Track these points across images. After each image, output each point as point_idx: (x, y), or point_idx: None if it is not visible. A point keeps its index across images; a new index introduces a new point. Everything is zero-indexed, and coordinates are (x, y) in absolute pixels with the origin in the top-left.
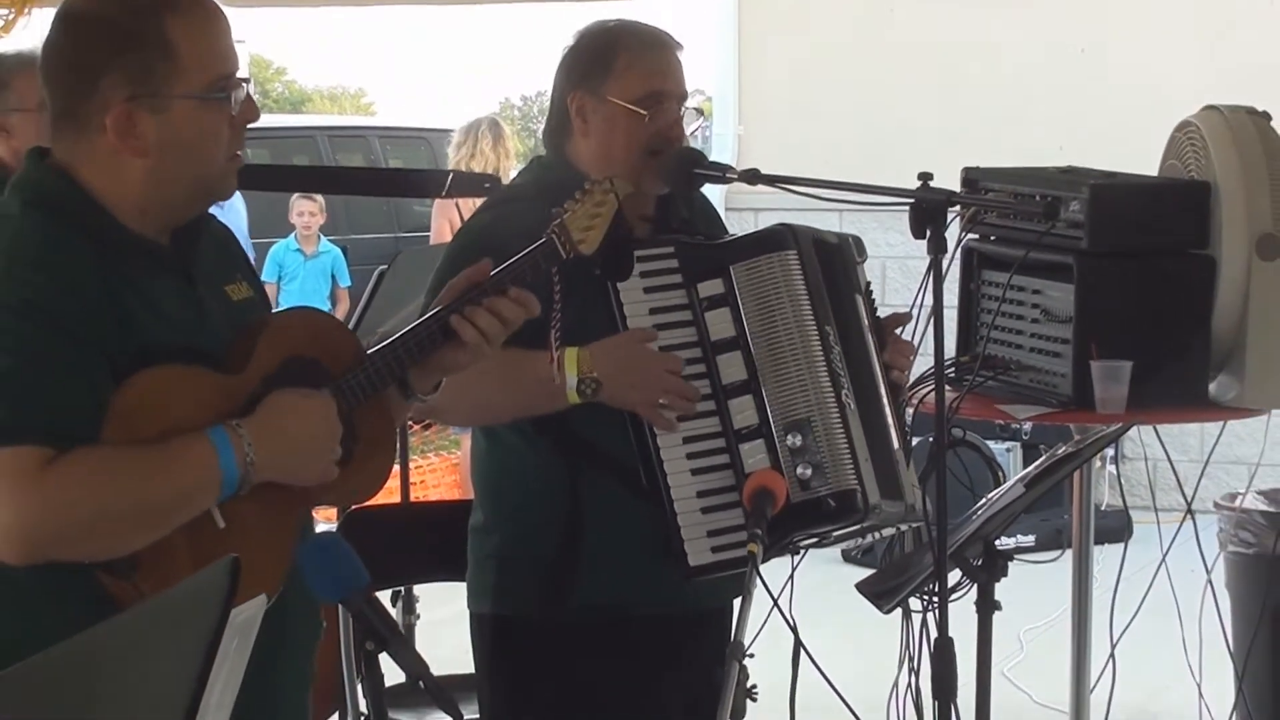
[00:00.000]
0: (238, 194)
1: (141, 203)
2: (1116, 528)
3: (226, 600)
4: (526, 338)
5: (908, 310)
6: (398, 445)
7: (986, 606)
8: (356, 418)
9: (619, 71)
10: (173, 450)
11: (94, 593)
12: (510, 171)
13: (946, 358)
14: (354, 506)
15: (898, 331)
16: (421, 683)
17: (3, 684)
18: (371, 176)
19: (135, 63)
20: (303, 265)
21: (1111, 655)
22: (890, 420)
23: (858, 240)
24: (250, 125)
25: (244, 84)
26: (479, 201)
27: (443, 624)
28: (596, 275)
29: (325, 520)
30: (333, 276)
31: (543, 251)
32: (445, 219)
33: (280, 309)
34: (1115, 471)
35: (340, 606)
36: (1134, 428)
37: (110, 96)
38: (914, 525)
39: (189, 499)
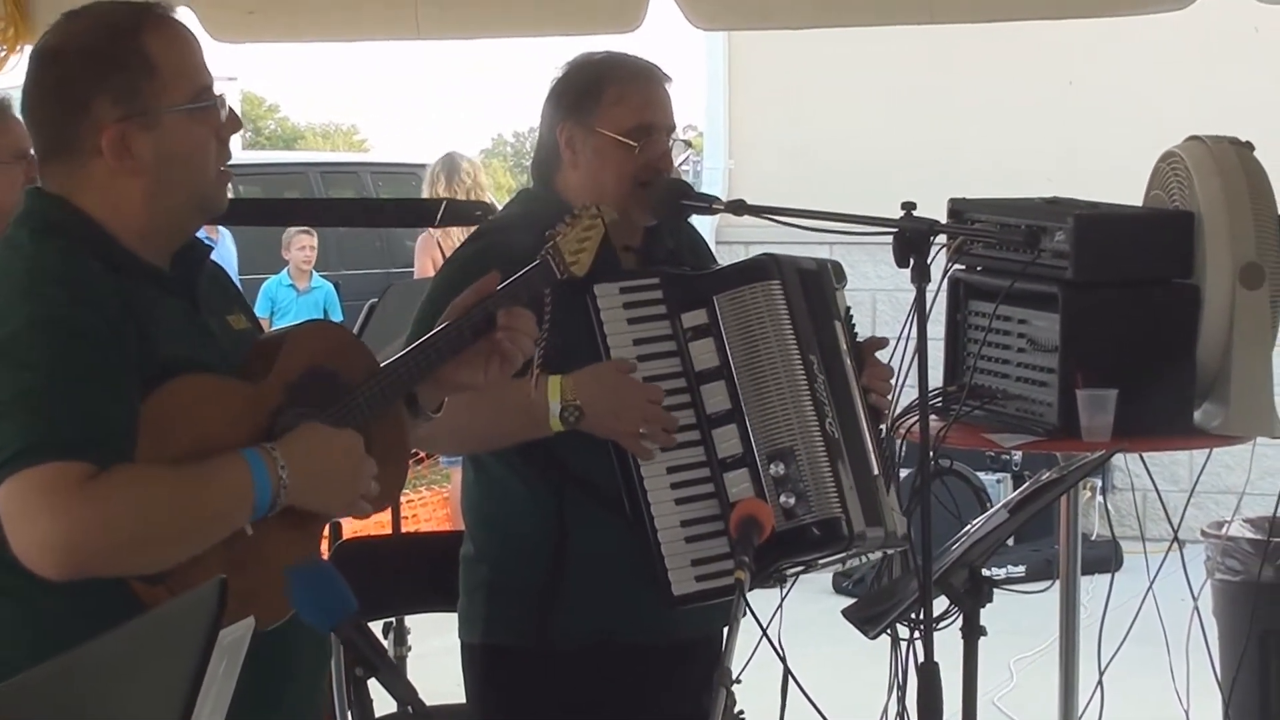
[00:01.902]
0: (227, 233)
1: (142, 224)
2: (1105, 558)
3: (214, 621)
4: None
5: (892, 339)
6: (408, 461)
7: (972, 632)
8: (371, 430)
9: (608, 103)
10: (209, 470)
11: (130, 605)
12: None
13: (934, 388)
14: (345, 536)
15: (878, 355)
16: (411, 709)
17: None
18: (363, 207)
19: (121, 84)
20: (295, 300)
21: (1099, 683)
22: (871, 445)
23: (837, 265)
24: (243, 163)
25: (222, 95)
26: (461, 238)
27: (434, 655)
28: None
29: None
30: (325, 311)
31: (538, 272)
32: (428, 256)
33: (296, 322)
34: (1104, 502)
35: (330, 634)
36: (1123, 458)
37: (102, 120)
38: (898, 550)
39: (224, 518)
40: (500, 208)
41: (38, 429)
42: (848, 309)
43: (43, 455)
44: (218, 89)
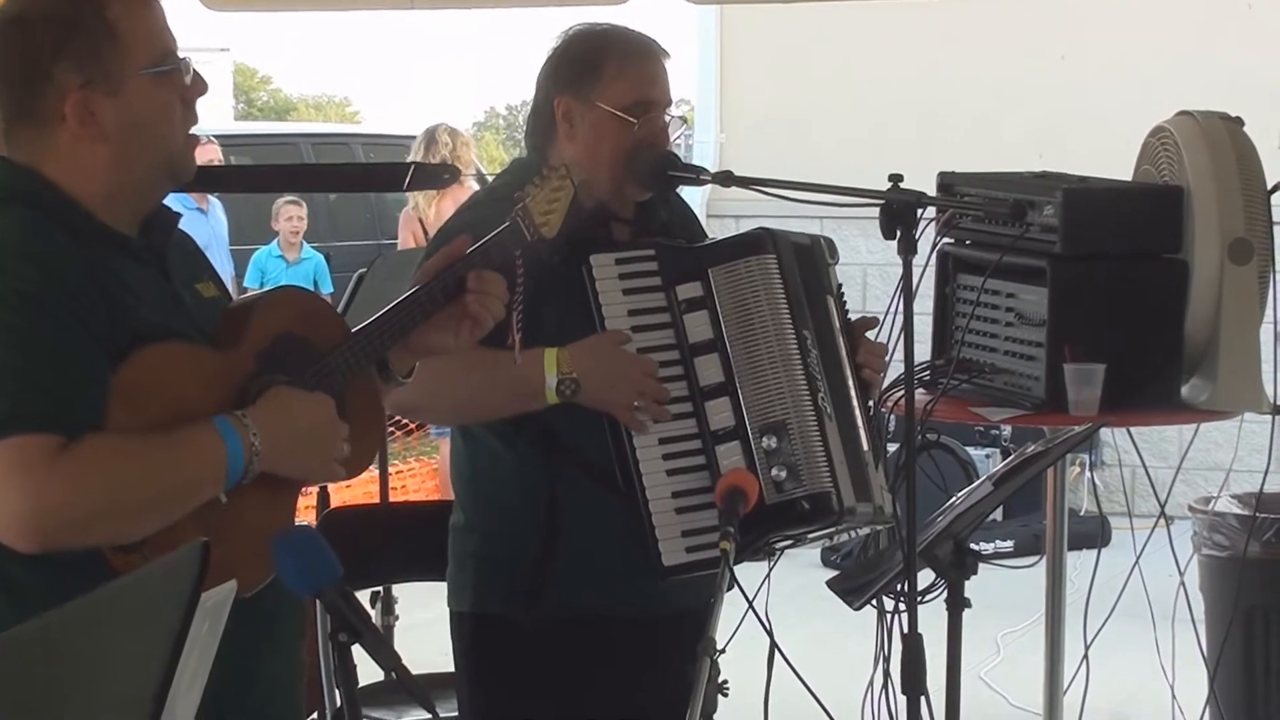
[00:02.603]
0: (218, 203)
1: (108, 190)
2: (1093, 533)
3: (196, 583)
4: (496, 331)
5: (882, 314)
6: (384, 425)
7: (956, 604)
8: (345, 395)
9: (609, 78)
10: (181, 438)
11: (104, 574)
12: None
13: (922, 361)
14: (333, 506)
15: (870, 335)
16: (395, 676)
17: None
18: (332, 172)
19: (82, 50)
20: (285, 271)
21: (1085, 658)
22: (861, 422)
23: (830, 242)
24: (235, 133)
25: (187, 59)
26: (444, 214)
27: (422, 626)
28: (556, 263)
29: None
30: (315, 283)
31: (508, 234)
32: (409, 230)
33: (267, 288)
34: (1092, 478)
35: (316, 602)
36: (1111, 434)
37: (65, 86)
38: (884, 527)
39: (197, 487)
40: (491, 179)
41: (5, 403)
42: (839, 285)
43: (10, 429)
44: (208, 58)
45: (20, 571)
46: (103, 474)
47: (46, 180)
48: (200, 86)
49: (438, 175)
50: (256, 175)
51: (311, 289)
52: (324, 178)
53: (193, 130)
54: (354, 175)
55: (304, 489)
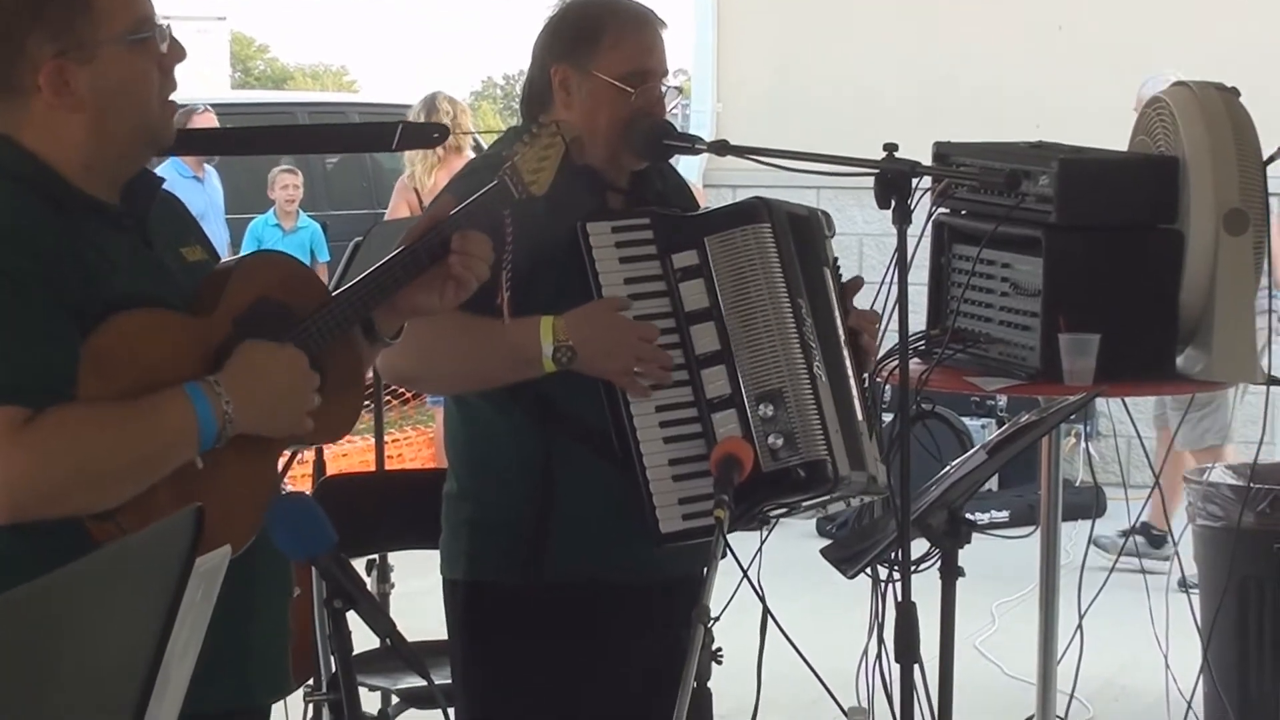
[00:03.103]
0: (214, 171)
1: (86, 159)
2: (1088, 504)
3: (190, 548)
4: (487, 294)
5: (878, 284)
6: (365, 388)
7: (950, 572)
8: (325, 358)
9: (606, 47)
10: (151, 406)
11: (78, 542)
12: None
13: (917, 331)
14: (329, 474)
15: (857, 299)
16: (390, 642)
17: None
18: (318, 133)
19: (55, 18)
20: (282, 240)
21: (1079, 627)
22: (855, 392)
23: (827, 215)
24: (231, 102)
25: (165, 26)
26: (440, 185)
27: (417, 595)
28: (552, 231)
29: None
30: (311, 251)
31: (495, 193)
32: (404, 199)
33: (246, 253)
34: (1088, 448)
35: (312, 569)
36: (1107, 405)
37: (37, 56)
38: (877, 497)
39: (168, 454)
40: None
41: None
42: (836, 259)
43: None
44: (205, 27)
45: None
46: (70, 444)
47: (23, 149)
48: (178, 53)
49: (426, 134)
50: (243, 137)
51: (308, 258)
52: (312, 139)
53: (192, 100)
54: (342, 135)
55: (286, 451)
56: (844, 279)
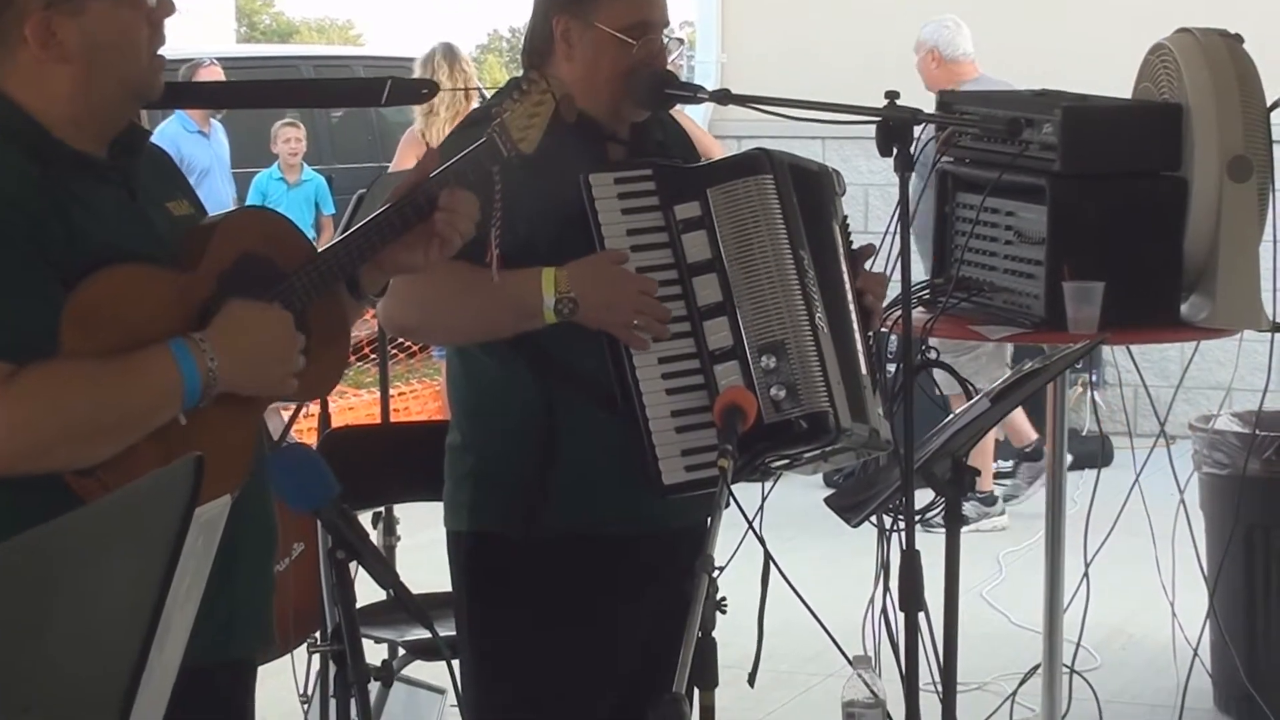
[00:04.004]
0: (219, 126)
1: (72, 112)
2: (1094, 453)
3: (190, 498)
4: (479, 248)
5: (882, 233)
6: (349, 344)
7: (954, 521)
8: (309, 315)
9: None
10: (135, 362)
11: (60, 497)
12: (477, 91)
13: (921, 280)
14: (334, 426)
15: (869, 266)
16: (394, 593)
17: None
18: (309, 87)
19: None
20: (286, 194)
21: (1085, 576)
22: (860, 345)
23: (838, 173)
24: (236, 56)
25: None
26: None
27: (423, 548)
28: (553, 181)
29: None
30: (316, 205)
31: (484, 150)
32: (412, 151)
33: (231, 209)
34: (1094, 398)
35: (317, 522)
36: (1112, 354)
37: (25, 7)
38: (879, 453)
39: (152, 411)
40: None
41: None
42: (845, 217)
43: None
44: None
45: None
46: (53, 400)
47: (9, 101)
48: (167, 7)
49: (415, 90)
50: (236, 91)
51: (312, 211)
52: (303, 93)
53: (197, 54)
54: (332, 89)
55: (287, 407)
56: (853, 240)
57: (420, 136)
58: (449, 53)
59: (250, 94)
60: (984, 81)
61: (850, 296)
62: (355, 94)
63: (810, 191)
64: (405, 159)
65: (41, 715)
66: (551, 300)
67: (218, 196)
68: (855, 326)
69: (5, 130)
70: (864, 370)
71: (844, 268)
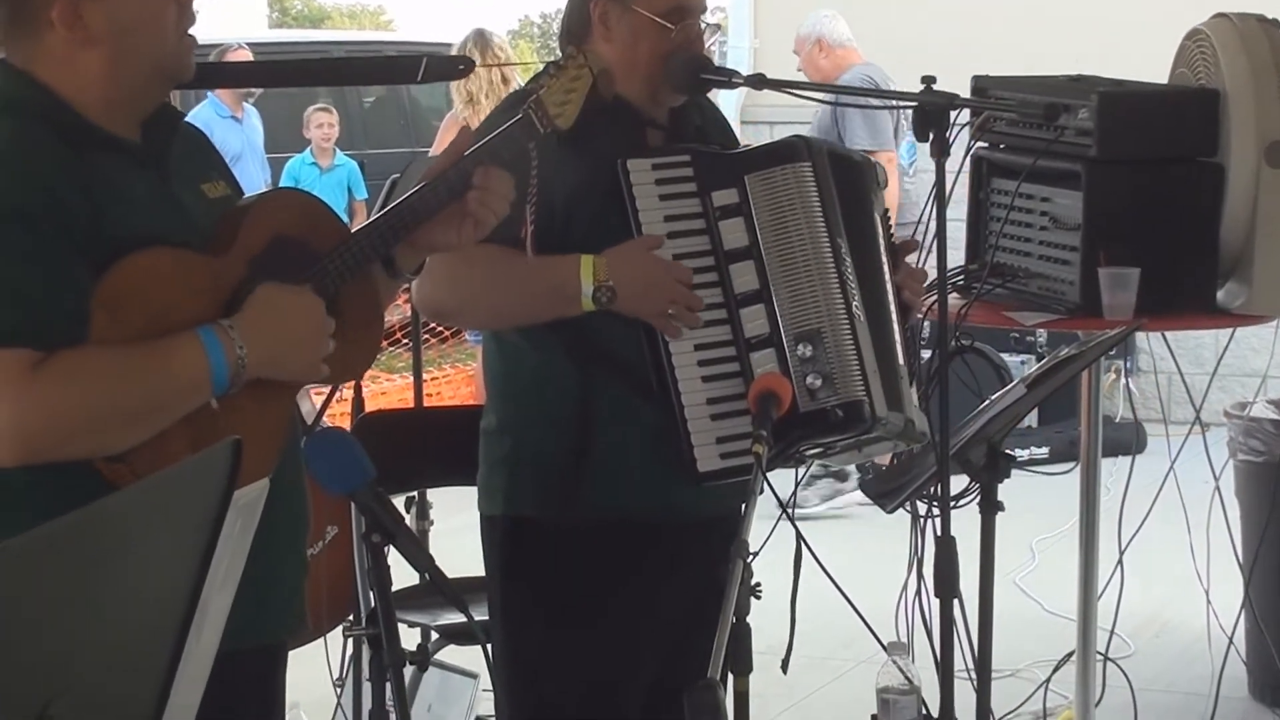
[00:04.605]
0: (253, 110)
1: (104, 95)
2: (1128, 440)
3: (229, 482)
4: (513, 228)
5: (916, 220)
6: (383, 325)
7: (990, 507)
8: (343, 297)
9: None
10: (164, 350)
11: (91, 482)
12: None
13: (956, 266)
14: (368, 411)
15: (911, 261)
16: (429, 576)
17: (3, 554)
18: (344, 66)
19: None
20: (319, 179)
21: (1119, 563)
22: (897, 335)
23: (880, 167)
24: (268, 41)
25: None
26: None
27: (456, 533)
28: (590, 167)
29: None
30: (349, 189)
31: (519, 128)
32: (454, 136)
33: (263, 190)
34: (1128, 385)
35: (351, 506)
36: (1147, 341)
37: None
38: (916, 445)
39: (181, 399)
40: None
41: None
42: (886, 210)
43: None
44: None
45: (10, 474)
46: (81, 387)
47: (41, 85)
48: None
49: (452, 66)
50: (271, 70)
51: (345, 196)
52: (338, 71)
53: (228, 39)
54: (368, 68)
55: (322, 389)
56: (894, 234)
57: (460, 119)
58: (480, 39)
59: (285, 73)
60: (870, 68)
61: (889, 286)
62: (391, 72)
63: (850, 180)
64: (445, 142)
65: (80, 698)
66: (590, 288)
67: (251, 181)
68: (893, 316)
69: (37, 114)
70: (900, 360)
71: (883, 258)
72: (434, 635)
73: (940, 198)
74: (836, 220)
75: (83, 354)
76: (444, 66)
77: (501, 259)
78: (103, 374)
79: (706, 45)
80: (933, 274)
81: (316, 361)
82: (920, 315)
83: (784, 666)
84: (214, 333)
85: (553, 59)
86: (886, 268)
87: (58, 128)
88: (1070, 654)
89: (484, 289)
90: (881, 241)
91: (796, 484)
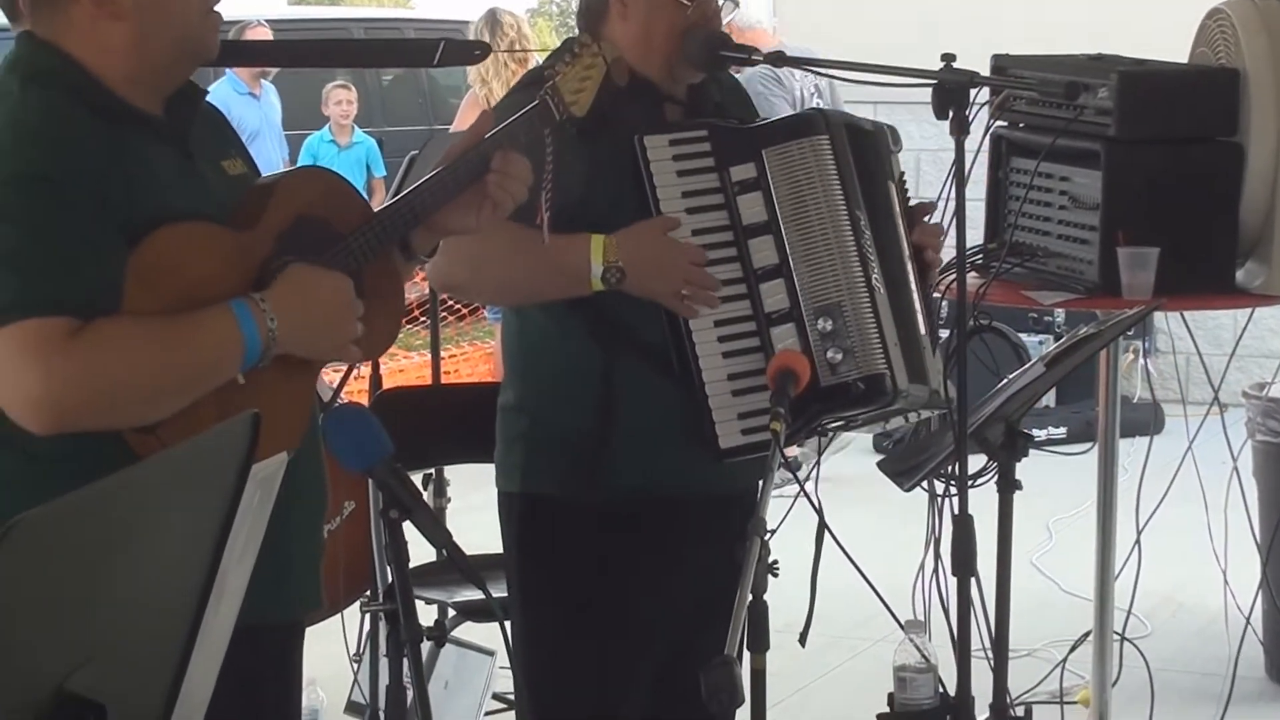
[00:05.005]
0: (271, 88)
1: (129, 69)
2: (1146, 420)
3: (247, 454)
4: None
5: (935, 199)
6: (403, 305)
7: (1007, 486)
8: (364, 276)
9: None
10: (197, 321)
11: (119, 453)
12: (527, 56)
13: (975, 245)
14: (386, 387)
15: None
16: (446, 552)
17: (24, 525)
18: (362, 47)
19: None
20: (337, 156)
21: (1137, 543)
22: (918, 305)
23: (893, 130)
24: (287, 18)
25: None
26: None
27: (474, 510)
28: (607, 143)
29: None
30: (367, 167)
31: (536, 113)
32: (474, 114)
33: (287, 169)
34: (1146, 365)
35: (368, 481)
36: (1165, 321)
37: None
38: (938, 412)
39: (212, 370)
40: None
41: (18, 285)
42: (902, 174)
43: (24, 311)
44: None
45: (26, 435)
46: (115, 357)
47: (69, 58)
48: None
49: (468, 51)
50: (289, 50)
51: (364, 174)
52: (356, 53)
53: (248, 16)
54: (385, 51)
55: (333, 368)
56: (910, 198)
57: (480, 100)
58: (490, 20)
59: (305, 53)
60: (788, 48)
61: (908, 256)
62: (409, 54)
63: (866, 151)
64: (466, 119)
65: (100, 668)
66: (599, 268)
67: (268, 158)
68: (913, 287)
69: (68, 86)
70: (922, 330)
71: (900, 227)
72: (451, 612)
73: (960, 176)
74: (855, 193)
75: (117, 324)
76: (460, 51)
77: (515, 235)
78: (137, 344)
79: (723, 21)
80: (951, 252)
81: (344, 341)
82: (939, 295)
83: (802, 640)
84: (246, 305)
85: (568, 39)
86: (905, 237)
87: (86, 100)
88: (1087, 634)
89: (496, 265)
90: (898, 208)
91: (818, 459)
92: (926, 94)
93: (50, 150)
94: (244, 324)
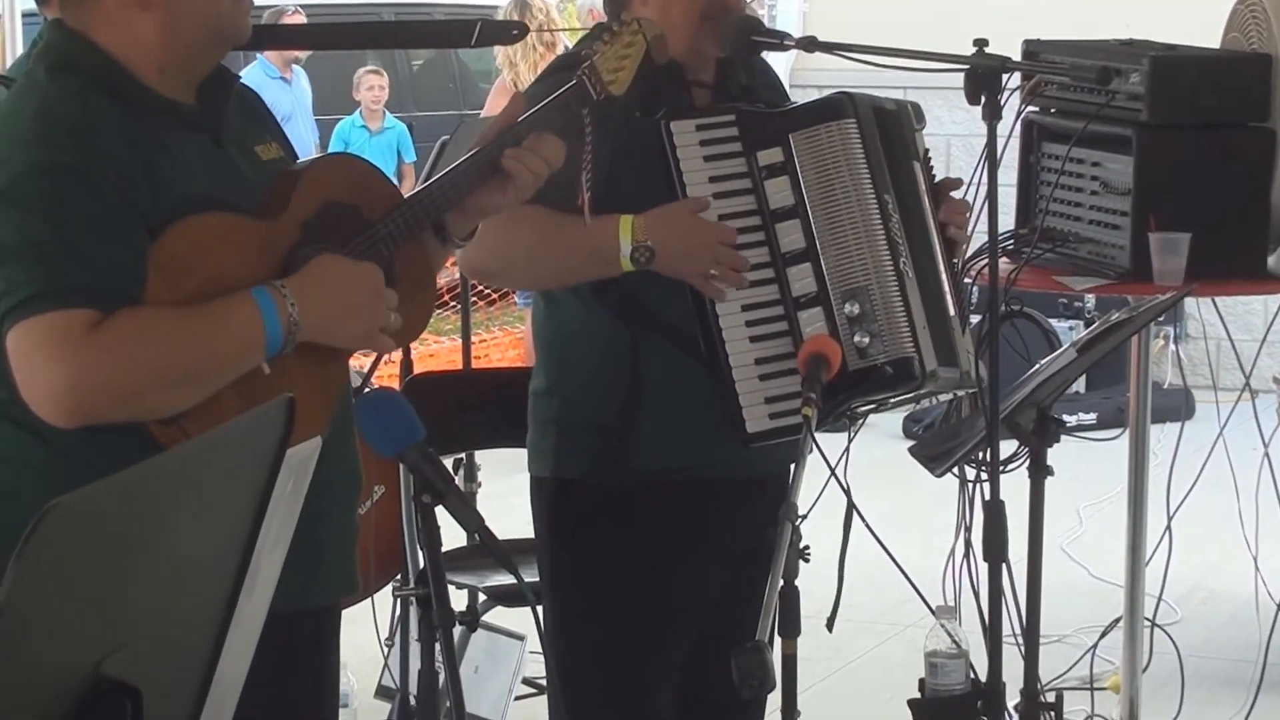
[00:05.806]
0: (301, 72)
1: (159, 58)
2: (1177, 406)
3: (282, 439)
4: (567, 191)
5: (967, 183)
6: (435, 291)
7: (1039, 471)
8: (396, 262)
9: None
10: (219, 311)
11: (143, 444)
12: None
13: (1006, 230)
14: (416, 372)
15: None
16: (478, 536)
17: (60, 510)
18: (398, 29)
19: None
20: (368, 141)
21: (1168, 529)
22: (947, 286)
23: (916, 107)
24: (317, 1)
25: None
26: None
27: (503, 495)
28: (636, 116)
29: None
30: (398, 152)
31: (573, 93)
32: (504, 99)
33: (316, 155)
34: (1177, 351)
35: (400, 465)
36: (1196, 307)
37: None
38: (969, 392)
39: (235, 359)
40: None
41: (41, 276)
42: (926, 151)
43: (46, 303)
44: None
45: (63, 437)
46: (137, 348)
47: (98, 47)
48: None
49: (505, 30)
50: (324, 33)
51: (394, 159)
52: (393, 35)
53: (282, 1)
54: (421, 31)
55: (362, 353)
56: (936, 178)
57: (509, 86)
58: (520, 3)
59: (340, 36)
60: None
61: (935, 238)
62: (445, 35)
63: (892, 132)
64: (495, 105)
65: (134, 654)
66: (628, 248)
67: (300, 143)
68: (942, 269)
69: (93, 76)
70: (951, 311)
71: (927, 208)
72: (481, 596)
73: (992, 161)
74: (883, 176)
75: (139, 315)
76: (497, 30)
77: (545, 219)
78: (159, 335)
79: (747, 3)
80: (981, 236)
81: (372, 330)
82: (970, 280)
83: (829, 625)
84: (268, 293)
85: (600, 23)
86: (932, 217)
87: (113, 90)
88: (1117, 620)
89: (526, 249)
90: (924, 189)
91: (848, 444)
92: (958, 79)
93: (74, 140)
94: (266, 311)
